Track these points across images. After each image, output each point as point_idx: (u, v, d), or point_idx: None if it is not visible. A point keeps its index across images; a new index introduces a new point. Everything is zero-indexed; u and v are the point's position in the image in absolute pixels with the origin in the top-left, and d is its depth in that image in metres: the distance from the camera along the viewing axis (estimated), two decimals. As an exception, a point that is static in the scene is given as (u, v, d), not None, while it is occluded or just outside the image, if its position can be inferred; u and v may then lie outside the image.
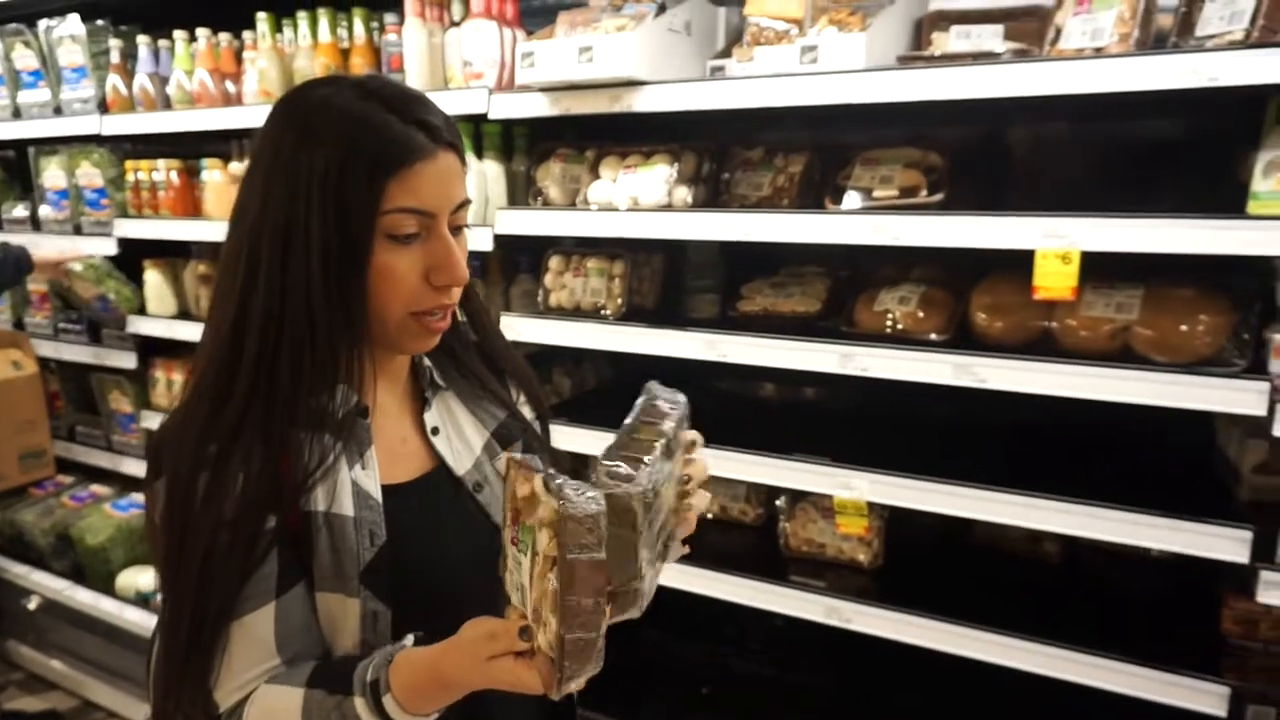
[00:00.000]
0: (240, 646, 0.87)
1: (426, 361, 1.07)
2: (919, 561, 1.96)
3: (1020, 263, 1.53)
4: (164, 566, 0.88)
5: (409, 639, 0.89)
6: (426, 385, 1.06)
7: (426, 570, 0.95)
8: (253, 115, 2.49)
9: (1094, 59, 1.43)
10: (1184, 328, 1.50)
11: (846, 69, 1.63)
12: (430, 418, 1.04)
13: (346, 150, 0.87)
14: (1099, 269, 1.53)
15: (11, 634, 3.28)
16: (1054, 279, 1.48)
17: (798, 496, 2.02)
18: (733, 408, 2.40)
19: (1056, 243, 1.47)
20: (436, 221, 0.91)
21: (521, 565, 0.78)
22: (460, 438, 1.06)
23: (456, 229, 0.94)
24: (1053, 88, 1.45)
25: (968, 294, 1.76)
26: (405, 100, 0.91)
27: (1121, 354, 1.56)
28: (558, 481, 0.74)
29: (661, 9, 1.89)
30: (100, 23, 2.91)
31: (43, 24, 2.96)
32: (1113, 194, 1.63)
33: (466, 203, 0.95)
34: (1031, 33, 1.66)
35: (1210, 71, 1.33)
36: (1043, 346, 1.64)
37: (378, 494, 0.94)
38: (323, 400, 0.92)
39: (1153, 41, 1.49)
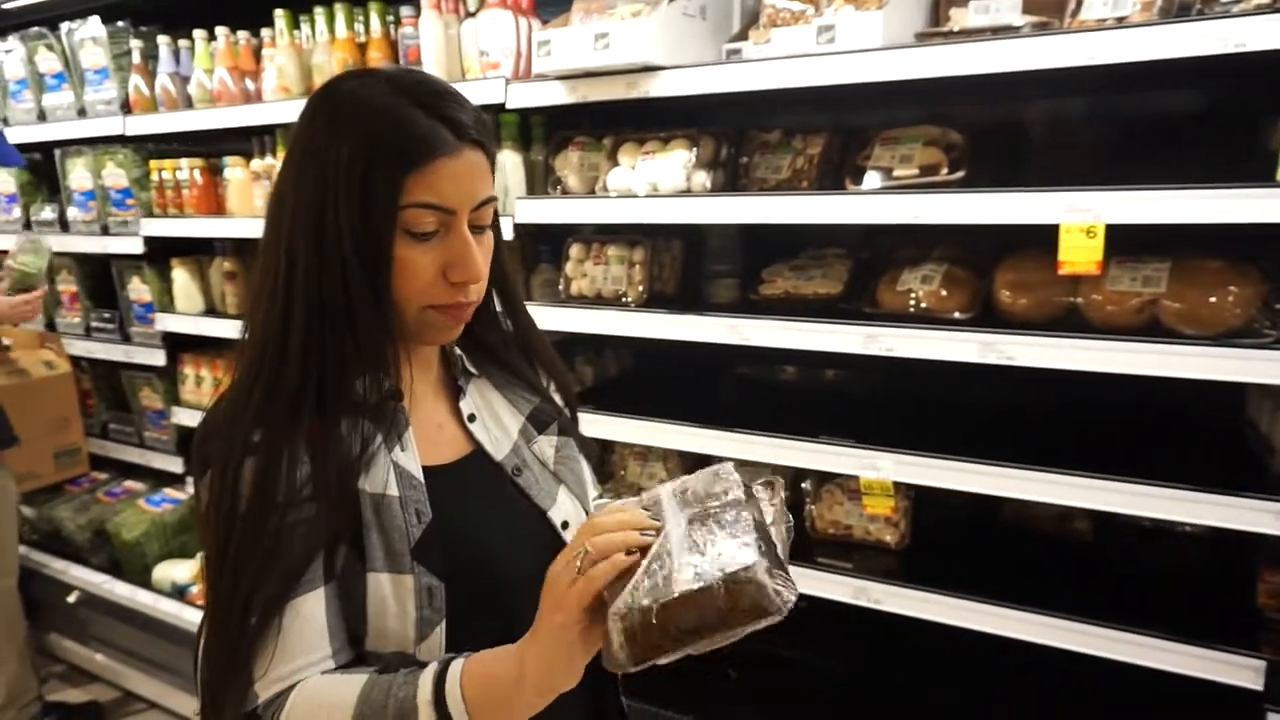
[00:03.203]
0: (293, 631, 0.87)
1: (457, 350, 1.08)
2: (947, 541, 1.96)
3: (1044, 238, 1.52)
4: (214, 556, 0.88)
5: (436, 637, 0.90)
6: (459, 373, 1.07)
7: (472, 548, 0.96)
8: (272, 112, 2.52)
9: (1116, 29, 1.41)
10: (1213, 300, 1.48)
11: (864, 48, 1.62)
12: (466, 404, 1.05)
13: (369, 143, 0.88)
14: (1124, 243, 1.52)
15: (53, 627, 3.35)
16: (1079, 253, 1.47)
17: (823, 479, 2.02)
18: (755, 392, 2.40)
19: (1081, 216, 1.46)
20: (456, 218, 0.91)
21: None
22: (497, 423, 1.07)
23: (481, 227, 0.95)
24: (1074, 60, 1.43)
25: (991, 271, 1.75)
26: (434, 95, 0.91)
27: (1149, 328, 1.55)
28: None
29: (676, -7, 1.88)
30: (121, 24, 2.95)
31: (65, 26, 3.00)
32: (1136, 167, 1.61)
33: (491, 200, 0.94)
34: (1051, 5, 1.63)
35: (1237, 37, 1.31)
36: (1068, 322, 1.63)
37: (419, 474, 0.95)
38: (360, 386, 0.94)
39: (1176, 9, 1.47)
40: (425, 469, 0.96)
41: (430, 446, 1.00)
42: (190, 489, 3.19)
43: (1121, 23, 1.44)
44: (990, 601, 1.68)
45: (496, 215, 1.02)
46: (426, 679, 0.83)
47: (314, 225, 0.89)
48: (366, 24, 2.39)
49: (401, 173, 0.87)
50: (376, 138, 0.88)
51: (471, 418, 1.05)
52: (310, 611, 0.88)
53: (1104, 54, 1.40)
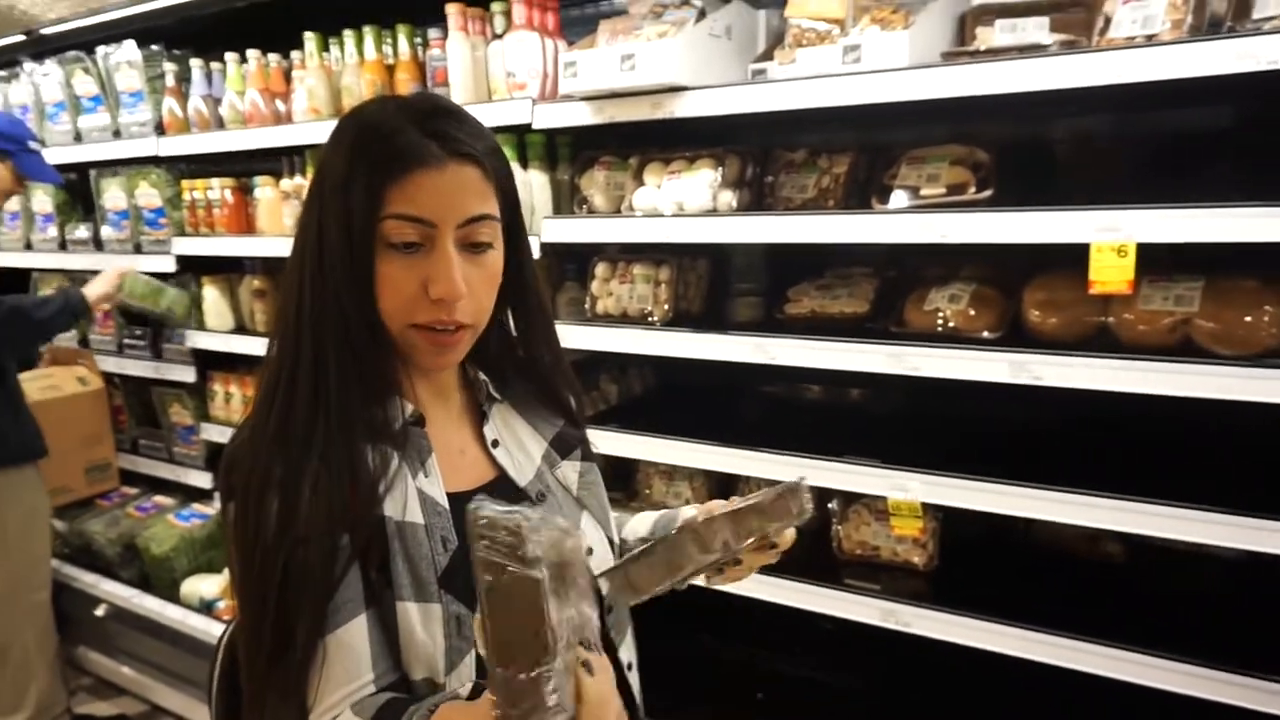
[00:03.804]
0: (336, 661, 0.86)
1: (482, 375, 1.08)
2: (976, 563, 1.94)
3: (1073, 258, 1.51)
4: (241, 586, 0.88)
5: (465, 688, 0.88)
6: (483, 398, 1.07)
7: None
8: (302, 133, 2.56)
9: (1146, 47, 1.40)
10: (1248, 319, 1.46)
11: (890, 67, 1.62)
12: (489, 430, 1.05)
13: (355, 155, 0.89)
14: (1155, 262, 1.50)
15: (82, 640, 3.39)
16: (1110, 273, 1.45)
17: (850, 499, 2.00)
18: (779, 411, 2.40)
19: (1112, 236, 1.44)
20: (438, 233, 0.89)
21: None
22: (520, 449, 1.06)
23: (477, 245, 0.93)
24: (1104, 78, 1.42)
25: (1020, 291, 1.74)
26: (432, 113, 0.91)
27: (1182, 348, 1.53)
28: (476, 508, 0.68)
29: (701, 14, 1.89)
30: (155, 48, 3.01)
31: (101, 50, 3.07)
32: (1166, 185, 1.59)
33: (485, 218, 0.92)
34: (1078, 24, 1.63)
35: (1269, 55, 1.30)
36: (1099, 342, 1.61)
37: (444, 500, 0.95)
38: (379, 412, 0.94)
39: (1207, 26, 1.46)
40: (449, 495, 0.96)
41: (453, 472, 0.99)
42: (218, 504, 3.23)
43: (1151, 41, 1.43)
44: (1021, 625, 1.66)
45: (521, 236, 1.01)
46: None
47: (315, 243, 0.90)
48: (395, 46, 2.43)
49: (380, 183, 0.87)
50: (363, 151, 0.89)
51: (495, 443, 1.05)
52: (353, 638, 0.87)
53: (1134, 72, 1.39)
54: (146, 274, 2.94)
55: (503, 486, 1.02)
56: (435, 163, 0.88)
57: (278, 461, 0.89)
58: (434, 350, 0.95)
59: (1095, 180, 1.93)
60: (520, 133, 2.20)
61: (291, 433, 0.89)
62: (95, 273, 3.28)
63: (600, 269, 2.17)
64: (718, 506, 1.05)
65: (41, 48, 3.38)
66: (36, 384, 3.11)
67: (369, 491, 0.90)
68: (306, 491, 0.87)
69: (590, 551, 1.04)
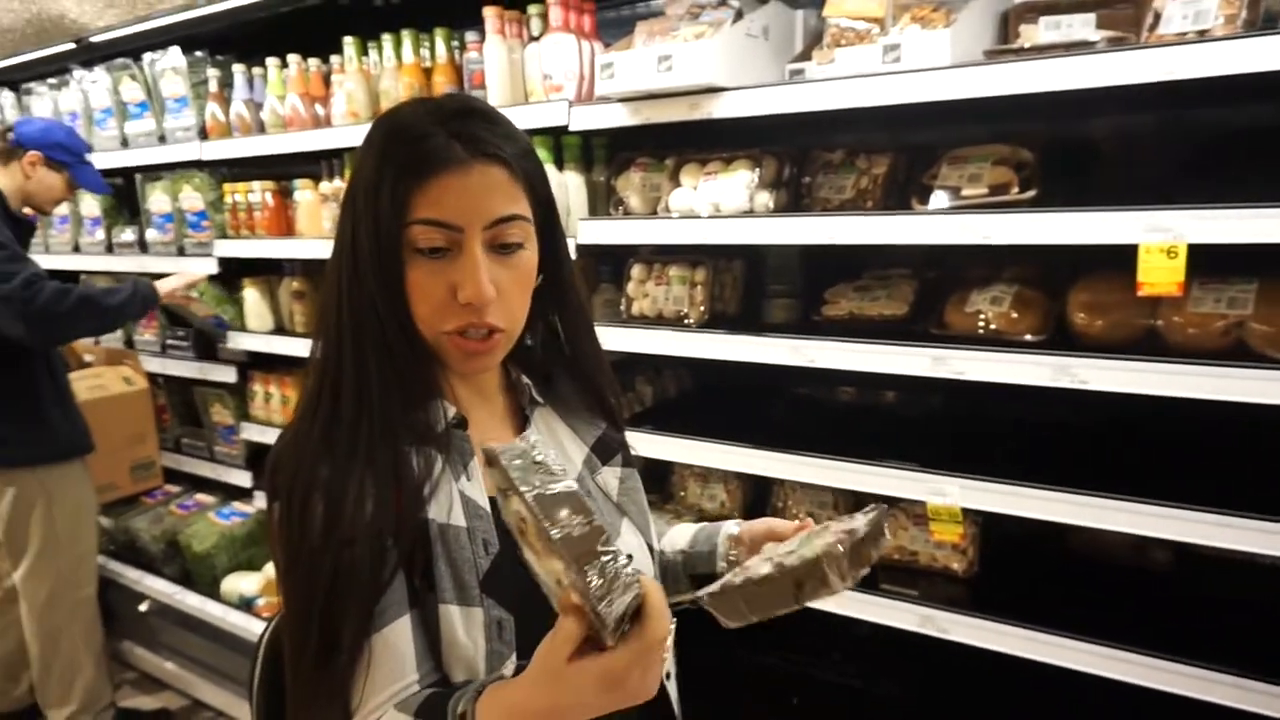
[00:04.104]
0: (382, 662, 0.86)
1: (525, 379, 1.07)
2: (1016, 569, 1.90)
3: (1119, 259, 1.47)
4: (287, 587, 0.88)
5: (508, 668, 0.88)
6: (526, 402, 1.07)
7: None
8: (341, 136, 2.59)
9: (1198, 43, 1.36)
10: (1305, 322, 1.42)
11: (931, 66, 1.60)
12: (531, 434, 1.05)
13: (383, 159, 0.89)
14: (1206, 263, 1.46)
15: (126, 635, 3.46)
16: (1159, 274, 1.42)
17: (888, 503, 1.97)
18: (815, 413, 2.37)
19: (1161, 236, 1.41)
20: (465, 236, 0.88)
21: (531, 564, 0.77)
22: (561, 453, 1.06)
23: (506, 246, 0.92)
24: (1154, 75, 1.39)
25: (1064, 293, 1.71)
26: (461, 113, 0.90)
27: (1234, 351, 1.49)
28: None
29: (739, 15, 1.89)
30: (199, 54, 3.07)
31: (147, 57, 3.14)
32: (1217, 185, 1.55)
33: (513, 219, 0.91)
34: (1126, 20, 1.59)
35: (1329, 51, 1.26)
36: (1147, 345, 1.58)
37: (486, 503, 0.95)
38: (422, 415, 0.94)
39: (1262, 21, 1.42)
40: (491, 498, 0.96)
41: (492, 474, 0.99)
42: (257, 503, 3.28)
43: (1203, 36, 1.39)
44: (1062, 633, 1.63)
45: (557, 235, 1.00)
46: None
47: (347, 246, 0.91)
48: (432, 50, 2.45)
49: (406, 188, 0.87)
50: (390, 155, 0.89)
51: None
52: (397, 639, 0.87)
53: (1186, 69, 1.35)
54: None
55: None
56: (459, 165, 0.88)
57: (323, 464, 0.89)
58: (466, 356, 0.94)
59: (1143, 180, 1.89)
60: (556, 134, 2.20)
61: (336, 435, 0.90)
62: (142, 274, 3.36)
63: (636, 270, 2.16)
64: (778, 526, 1.06)
65: (90, 55, 3.46)
66: (85, 383, 3.19)
67: (414, 494, 0.90)
68: (352, 493, 0.87)
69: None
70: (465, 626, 0.89)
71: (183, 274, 2.93)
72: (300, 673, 0.87)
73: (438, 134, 0.88)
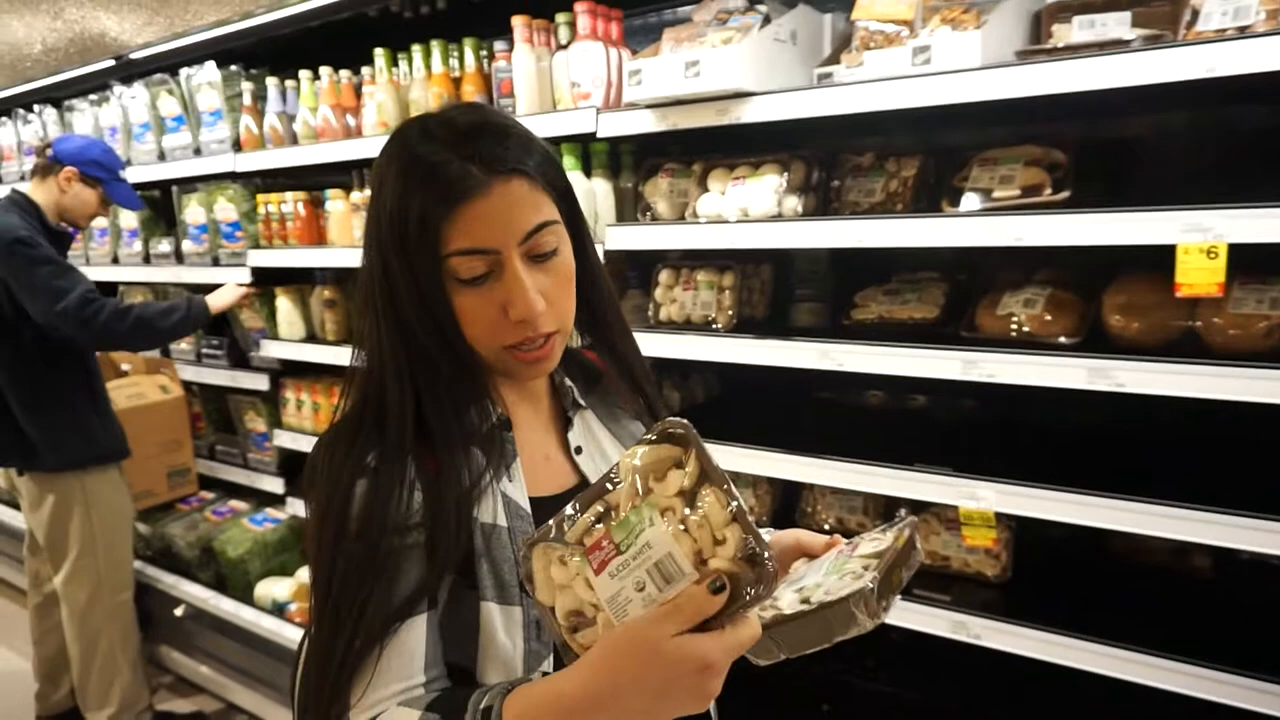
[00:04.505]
0: (393, 657, 0.86)
1: (568, 381, 1.08)
2: (1050, 575, 1.87)
3: (1156, 260, 1.45)
4: (321, 579, 0.88)
5: (537, 673, 0.89)
6: (569, 405, 1.07)
7: None
8: (372, 146, 2.62)
9: (1239, 39, 1.34)
10: (1350, 323, 1.39)
11: (962, 68, 1.59)
12: (574, 437, 1.06)
13: (403, 193, 0.88)
14: (1247, 264, 1.44)
15: (162, 639, 3.51)
16: (1198, 275, 1.39)
17: (919, 508, 1.96)
18: (844, 417, 2.36)
19: (1200, 237, 1.39)
20: (504, 256, 0.89)
21: (650, 544, 0.73)
22: (602, 457, 1.06)
23: (542, 255, 0.92)
24: (1192, 73, 1.37)
25: (1098, 295, 1.68)
26: (471, 133, 0.89)
27: (1277, 353, 1.46)
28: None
29: (766, 20, 1.89)
30: (234, 68, 3.13)
31: (184, 72, 3.21)
32: (1258, 184, 1.52)
33: (544, 226, 0.91)
34: (1162, 17, 1.57)
35: (1373, 45, 1.23)
36: (1185, 347, 1.55)
37: (526, 505, 0.96)
38: (469, 415, 0.95)
39: (1304, 17, 1.39)
40: (532, 500, 0.97)
41: (536, 478, 1.00)
42: (289, 509, 3.32)
43: (1244, 32, 1.37)
44: (1098, 639, 1.60)
45: (581, 226, 1.00)
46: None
47: (378, 276, 0.91)
48: (461, 60, 2.48)
49: (435, 225, 0.87)
50: (410, 190, 0.88)
51: (578, 450, 1.05)
52: (412, 637, 0.87)
53: (1226, 65, 1.33)
54: None
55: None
56: (481, 189, 0.87)
57: (371, 457, 0.89)
58: (529, 365, 0.95)
59: (1179, 180, 1.86)
60: (584, 142, 2.22)
61: (385, 437, 0.90)
62: (178, 284, 3.43)
63: (664, 276, 2.17)
64: (807, 541, 1.03)
65: (129, 72, 3.54)
66: (123, 392, 3.25)
67: (463, 493, 0.90)
68: (397, 487, 0.88)
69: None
70: (505, 625, 0.90)
71: (232, 287, 3.01)
72: (324, 660, 0.86)
73: (452, 160, 0.87)
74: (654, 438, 0.76)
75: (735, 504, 0.72)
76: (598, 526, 0.76)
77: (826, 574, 0.91)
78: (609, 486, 0.77)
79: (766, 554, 0.70)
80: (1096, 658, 1.60)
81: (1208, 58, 1.35)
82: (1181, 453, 1.74)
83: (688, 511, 0.73)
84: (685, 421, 0.76)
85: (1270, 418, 1.41)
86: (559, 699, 0.74)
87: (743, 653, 0.74)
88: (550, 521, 0.79)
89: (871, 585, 0.83)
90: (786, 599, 0.86)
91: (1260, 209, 1.34)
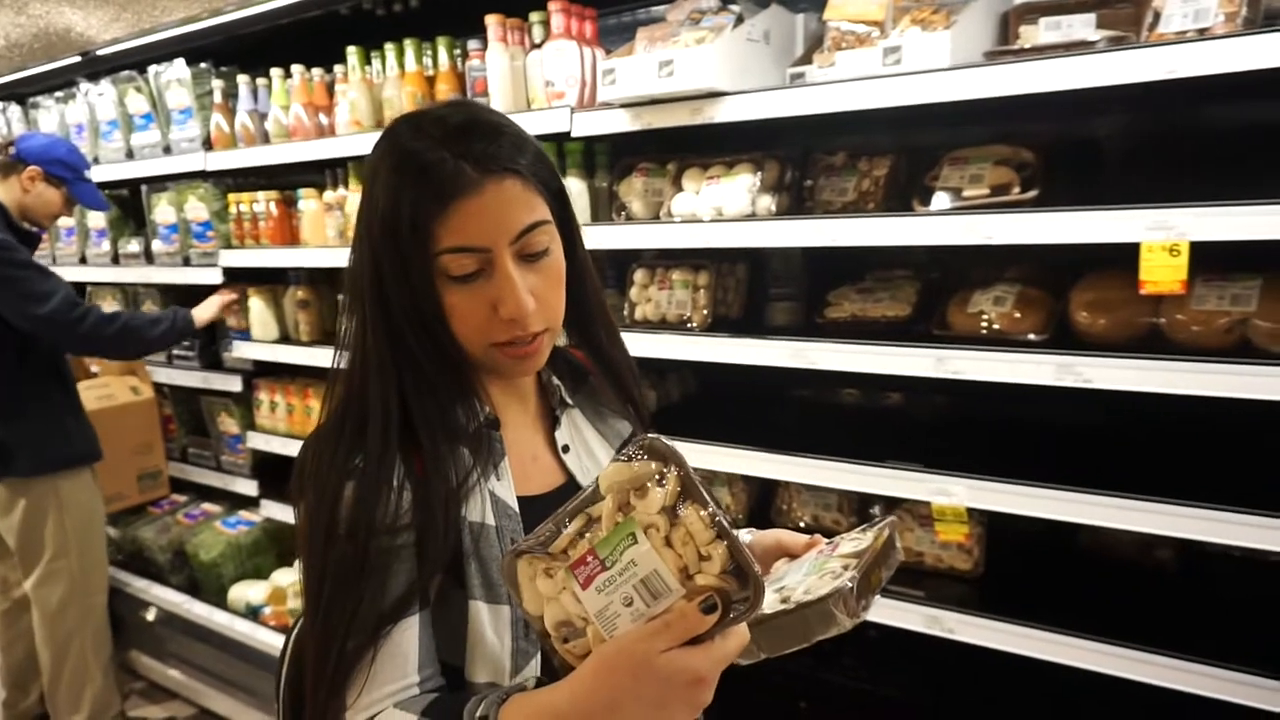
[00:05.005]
0: (386, 657, 0.86)
1: (555, 379, 1.08)
2: (1022, 569, 1.90)
3: (1122, 258, 1.48)
4: (313, 581, 0.88)
5: (530, 680, 0.89)
6: (556, 404, 1.07)
7: None
8: (345, 145, 2.61)
9: (1198, 41, 1.37)
10: (1309, 319, 1.42)
11: (932, 68, 1.61)
12: (561, 435, 1.06)
13: (395, 191, 0.88)
14: (1209, 261, 1.47)
15: (134, 644, 3.47)
16: (1162, 272, 1.42)
17: (892, 504, 1.98)
18: (820, 415, 2.38)
19: (1163, 234, 1.41)
20: (495, 254, 0.89)
21: (636, 560, 0.73)
22: (589, 456, 1.07)
23: (534, 254, 0.92)
24: (1154, 74, 1.39)
25: (1066, 292, 1.71)
26: (464, 131, 0.89)
27: (1238, 348, 1.49)
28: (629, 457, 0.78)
29: (739, 20, 1.90)
30: (204, 65, 3.09)
31: (152, 69, 3.16)
32: (1219, 183, 1.56)
33: (534, 226, 0.91)
34: (1126, 19, 1.60)
35: (1329, 47, 1.26)
36: (1150, 343, 1.58)
37: (514, 504, 0.96)
38: (456, 414, 0.95)
39: (1262, 19, 1.42)
40: (520, 499, 0.97)
41: (524, 477, 1.00)
42: (263, 512, 3.28)
43: (1204, 34, 1.40)
44: (1069, 632, 1.62)
45: (573, 226, 1.00)
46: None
47: (371, 270, 0.91)
48: (435, 58, 2.47)
49: (426, 222, 0.87)
50: (402, 187, 0.88)
51: (565, 449, 1.05)
52: (405, 638, 0.87)
53: (1186, 67, 1.36)
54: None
55: (571, 492, 1.02)
56: (474, 187, 0.87)
57: (357, 458, 0.89)
58: (517, 362, 0.95)
59: (1144, 179, 1.89)
60: (559, 141, 2.21)
61: (370, 437, 0.90)
62: (147, 287, 3.38)
63: (639, 275, 2.17)
64: (787, 541, 1.05)
65: (96, 68, 3.49)
66: (93, 393, 3.20)
67: (450, 492, 0.90)
68: (384, 487, 0.88)
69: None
70: (493, 624, 0.90)
71: (216, 298, 3.01)
72: (318, 663, 0.86)
73: (445, 159, 0.87)
74: (634, 453, 0.77)
75: (718, 520, 0.72)
76: (583, 539, 0.76)
77: (807, 574, 0.91)
78: (591, 499, 0.78)
79: (755, 569, 0.71)
80: (1068, 650, 1.62)
81: (1168, 59, 1.38)
82: (1148, 447, 1.77)
83: (671, 528, 0.73)
84: (664, 438, 0.77)
85: (1232, 412, 1.44)
86: (555, 713, 0.75)
87: (731, 662, 0.75)
88: (535, 531, 0.80)
89: (850, 584, 0.84)
90: (767, 599, 0.86)
91: (1221, 207, 1.37)
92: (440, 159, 0.87)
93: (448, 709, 0.82)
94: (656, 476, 0.75)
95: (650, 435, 0.78)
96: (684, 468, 0.75)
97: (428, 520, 0.88)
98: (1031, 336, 1.68)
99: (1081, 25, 1.56)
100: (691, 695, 0.72)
